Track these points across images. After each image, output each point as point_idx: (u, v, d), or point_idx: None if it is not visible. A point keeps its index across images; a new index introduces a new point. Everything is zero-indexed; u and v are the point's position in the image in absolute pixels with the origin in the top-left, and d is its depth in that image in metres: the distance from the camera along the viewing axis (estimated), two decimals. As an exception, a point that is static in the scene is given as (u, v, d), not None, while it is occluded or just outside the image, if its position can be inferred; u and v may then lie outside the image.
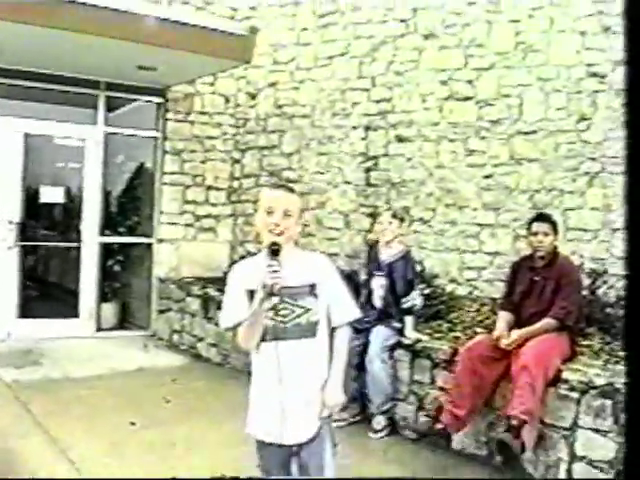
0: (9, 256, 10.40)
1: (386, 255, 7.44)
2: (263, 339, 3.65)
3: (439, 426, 6.24)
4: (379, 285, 7.38)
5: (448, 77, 9.58)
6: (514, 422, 5.62)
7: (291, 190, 3.82)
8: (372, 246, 7.70)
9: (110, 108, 11.08)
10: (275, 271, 3.47)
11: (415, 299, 7.28)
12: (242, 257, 11.35)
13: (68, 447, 6.17)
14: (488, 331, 6.88)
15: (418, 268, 7.89)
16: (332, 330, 3.80)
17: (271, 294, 3.47)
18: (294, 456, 3.76)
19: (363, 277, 7.55)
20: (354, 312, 3.89)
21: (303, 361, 3.66)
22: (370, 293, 7.45)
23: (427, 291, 8.01)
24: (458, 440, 6.45)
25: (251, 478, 3.92)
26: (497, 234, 9.06)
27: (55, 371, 8.79)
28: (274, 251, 3.55)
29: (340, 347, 3.80)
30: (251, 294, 3.59)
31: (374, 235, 8.05)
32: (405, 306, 7.24)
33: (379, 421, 6.97)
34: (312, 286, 3.69)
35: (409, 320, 7.25)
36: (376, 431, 6.92)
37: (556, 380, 5.76)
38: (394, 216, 7.49)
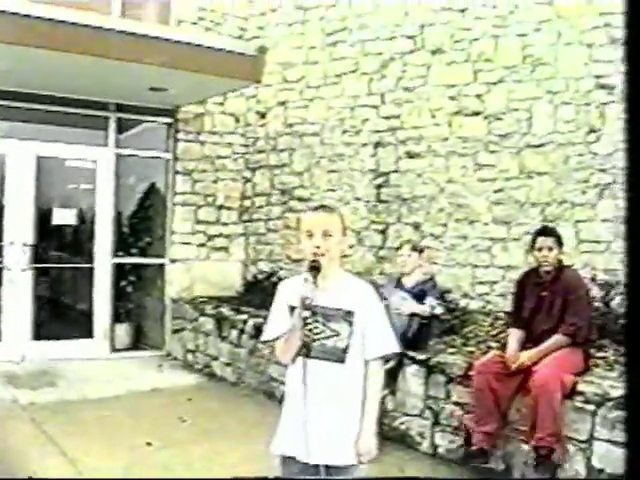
0: (23, 278, 10.43)
1: (409, 282, 7.55)
2: (297, 353, 3.67)
3: (474, 447, 6.19)
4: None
5: (457, 92, 9.59)
6: (543, 452, 5.64)
7: (330, 210, 3.83)
8: (398, 279, 7.75)
9: (121, 129, 11.15)
10: (307, 285, 3.53)
11: (432, 302, 7.34)
12: (255, 276, 11.43)
13: (85, 468, 6.18)
14: (502, 346, 6.88)
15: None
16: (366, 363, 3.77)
17: (303, 307, 3.51)
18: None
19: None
20: (392, 345, 3.82)
21: (328, 384, 3.65)
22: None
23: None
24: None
25: (277, 478, 3.90)
26: (509, 248, 9.05)
27: (70, 392, 8.80)
28: (313, 267, 3.59)
29: (373, 391, 3.77)
30: (293, 310, 3.63)
31: (395, 267, 8.14)
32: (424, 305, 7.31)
33: None
34: (348, 312, 3.68)
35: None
36: None
37: (571, 393, 5.75)
38: (414, 249, 7.64)
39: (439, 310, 7.39)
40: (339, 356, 3.68)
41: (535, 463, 5.78)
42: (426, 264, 8.24)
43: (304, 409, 3.64)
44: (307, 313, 3.54)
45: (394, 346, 3.84)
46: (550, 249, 6.33)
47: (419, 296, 7.38)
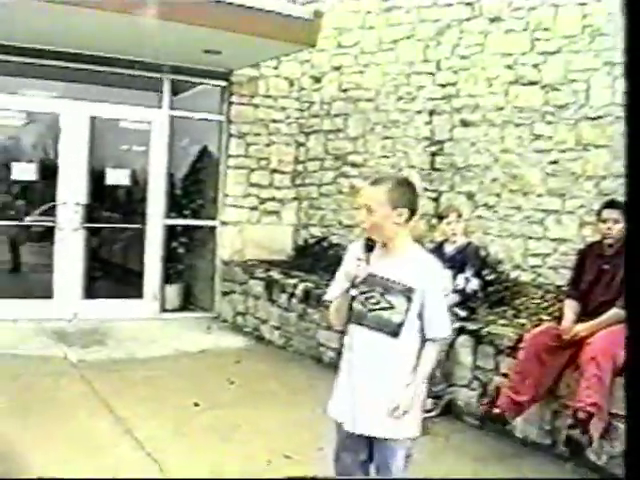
0: (75, 237, 10.54)
1: (450, 248, 7.53)
2: (350, 321, 3.68)
3: (496, 411, 6.19)
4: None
5: (514, 61, 9.44)
6: (581, 415, 5.57)
7: (379, 183, 3.72)
8: (440, 244, 7.70)
9: (175, 91, 11.17)
10: (359, 264, 3.55)
11: (467, 275, 7.31)
12: (306, 240, 11.43)
13: (133, 427, 6.26)
14: (554, 319, 6.82)
15: (483, 253, 7.88)
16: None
17: (351, 285, 3.53)
18: (369, 449, 3.78)
19: None
20: (445, 331, 3.81)
21: (377, 355, 3.65)
22: None
23: (491, 277, 7.97)
24: (520, 428, 6.40)
25: (327, 478, 3.92)
26: (562, 221, 8.92)
27: (120, 351, 8.92)
28: (366, 246, 3.62)
29: (426, 358, 3.75)
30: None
31: (441, 234, 8.04)
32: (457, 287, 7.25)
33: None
34: (408, 288, 3.64)
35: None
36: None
37: (622, 369, 5.68)
38: (460, 215, 7.58)
39: (474, 284, 7.31)
40: (394, 329, 3.65)
41: (570, 425, 5.75)
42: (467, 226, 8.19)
43: (351, 377, 3.65)
44: (354, 292, 3.56)
45: (448, 331, 3.85)
46: (615, 222, 6.19)
47: (459, 266, 7.32)
